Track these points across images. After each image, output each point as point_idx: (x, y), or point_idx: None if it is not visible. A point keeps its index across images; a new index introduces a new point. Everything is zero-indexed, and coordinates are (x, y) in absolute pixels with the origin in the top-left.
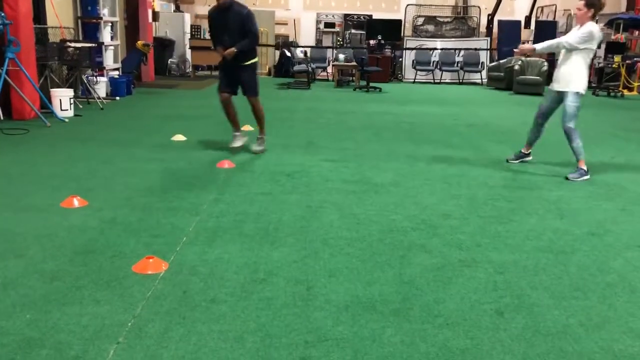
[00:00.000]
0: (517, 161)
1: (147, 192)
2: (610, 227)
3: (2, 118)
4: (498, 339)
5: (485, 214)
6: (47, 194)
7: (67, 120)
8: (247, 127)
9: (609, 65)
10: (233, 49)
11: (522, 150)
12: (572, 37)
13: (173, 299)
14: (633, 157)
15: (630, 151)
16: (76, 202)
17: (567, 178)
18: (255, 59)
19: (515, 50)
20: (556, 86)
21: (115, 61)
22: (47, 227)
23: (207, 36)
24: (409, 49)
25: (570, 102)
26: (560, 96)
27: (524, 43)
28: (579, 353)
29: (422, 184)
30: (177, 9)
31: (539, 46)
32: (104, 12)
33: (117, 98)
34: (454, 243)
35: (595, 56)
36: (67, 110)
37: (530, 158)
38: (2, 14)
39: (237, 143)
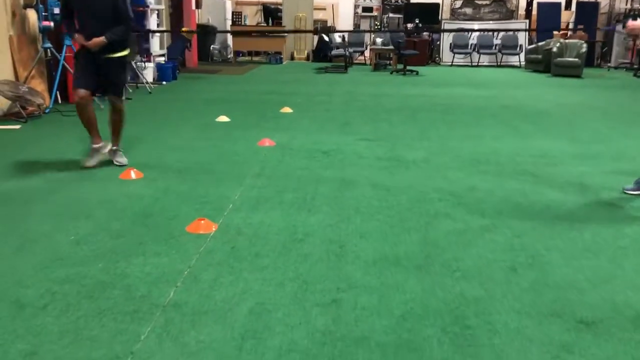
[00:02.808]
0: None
1: (196, 166)
2: (630, 199)
3: (60, 102)
4: (509, 290)
5: (510, 187)
6: (106, 168)
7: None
8: (286, 109)
9: None
10: (102, 39)
11: None
12: None
13: (222, 253)
14: None
15: None
16: (133, 174)
17: (623, 190)
18: (127, 51)
19: (625, 29)
20: None
21: (161, 47)
22: (109, 194)
23: (248, 22)
24: (446, 30)
25: None
26: None
27: (634, 19)
28: (582, 302)
29: (452, 161)
30: None
31: None
32: (151, 0)
33: (164, 83)
34: (477, 211)
35: (638, 37)
36: None
37: None
38: (60, 3)
39: (93, 160)
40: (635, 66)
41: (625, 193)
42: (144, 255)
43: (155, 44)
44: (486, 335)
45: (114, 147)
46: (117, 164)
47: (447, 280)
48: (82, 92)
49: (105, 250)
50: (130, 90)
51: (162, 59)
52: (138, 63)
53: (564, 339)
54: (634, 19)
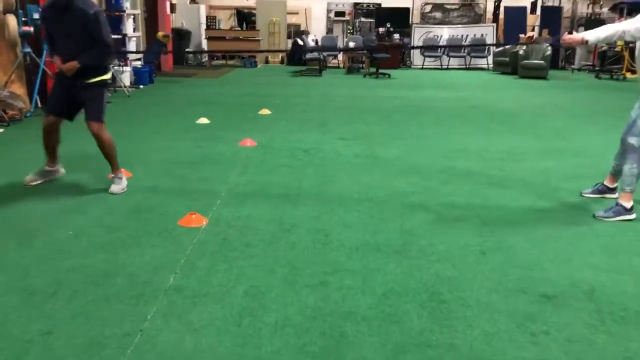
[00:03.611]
0: (596, 195)
1: (181, 165)
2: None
3: (40, 105)
4: (480, 270)
5: (479, 181)
6: (95, 168)
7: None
8: (265, 111)
9: (612, 49)
10: (74, 63)
11: (606, 183)
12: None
13: (215, 244)
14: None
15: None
16: (122, 173)
17: (596, 217)
18: (105, 76)
19: (561, 42)
20: None
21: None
22: (99, 192)
23: (223, 26)
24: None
25: (638, 109)
26: None
27: (570, 32)
28: (544, 279)
29: (425, 158)
30: (193, 1)
31: (591, 36)
32: (127, 5)
33: (141, 86)
34: (448, 203)
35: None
36: None
37: (615, 195)
38: (40, 9)
39: (35, 178)
40: (597, 68)
41: (583, 196)
42: (141, 247)
43: (132, 48)
44: (459, 308)
45: (113, 174)
46: (110, 192)
47: (424, 263)
48: (49, 118)
49: (103, 243)
50: (110, 94)
51: (138, 63)
52: (116, 67)
53: (528, 310)
54: (569, 32)
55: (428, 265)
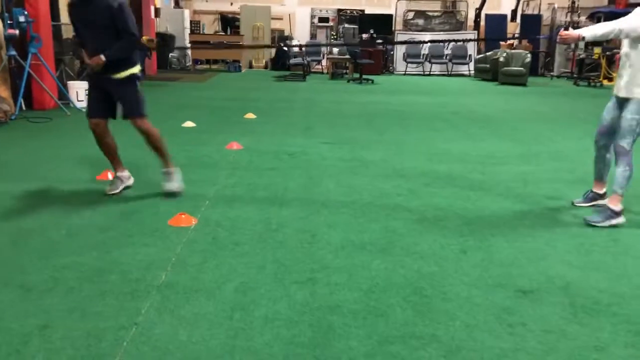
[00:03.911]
0: (588, 204)
1: None
2: (567, 191)
3: (24, 108)
4: (460, 267)
5: (460, 183)
6: (84, 170)
7: (84, 110)
8: (250, 115)
9: (590, 56)
10: (100, 57)
11: (594, 190)
12: (637, 21)
13: (205, 242)
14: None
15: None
16: (110, 176)
17: (587, 221)
18: (134, 69)
19: (558, 38)
20: (623, 92)
21: None
22: (89, 194)
23: (206, 31)
24: (399, 43)
25: (629, 114)
26: (622, 105)
27: (566, 29)
28: (521, 275)
29: (408, 161)
30: (177, 5)
31: (587, 33)
32: None
33: None
34: (431, 204)
35: (577, 47)
36: (82, 100)
37: (605, 201)
38: (26, 13)
39: (116, 188)
40: (575, 75)
41: (575, 205)
42: (133, 245)
43: None
44: (441, 302)
45: (163, 170)
46: (166, 190)
47: (407, 260)
48: (92, 122)
49: (96, 242)
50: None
51: None
52: None
53: (505, 304)
54: (566, 28)
55: (411, 263)
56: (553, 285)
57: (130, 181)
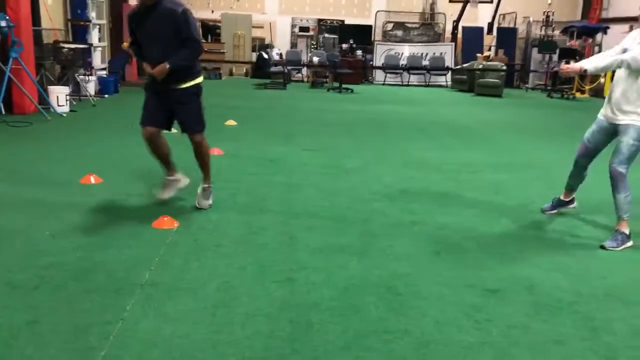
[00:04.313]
0: (555, 211)
1: (150, 172)
2: (537, 199)
3: (3, 112)
4: (433, 267)
5: (436, 190)
6: (66, 173)
7: (64, 114)
8: (230, 122)
9: None
10: (165, 65)
11: (562, 198)
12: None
13: (187, 244)
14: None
15: (567, 143)
16: (92, 179)
17: (602, 247)
18: (198, 79)
19: (560, 69)
20: (618, 118)
21: (102, 61)
22: (72, 197)
23: None
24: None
25: (630, 140)
26: (615, 130)
27: (567, 62)
28: (491, 277)
29: (386, 168)
30: None
31: (589, 65)
32: (92, 15)
33: (106, 96)
34: (407, 210)
35: (550, 60)
36: (63, 105)
37: (573, 205)
38: (7, 17)
39: (167, 193)
40: (549, 88)
41: (544, 212)
42: (117, 247)
43: (97, 58)
44: (414, 300)
45: (203, 185)
46: (199, 206)
47: (382, 261)
48: (146, 130)
49: (80, 243)
50: (74, 103)
51: (103, 73)
52: (81, 77)
53: (474, 302)
54: (567, 62)
55: (386, 264)
56: (520, 286)
57: (182, 183)
